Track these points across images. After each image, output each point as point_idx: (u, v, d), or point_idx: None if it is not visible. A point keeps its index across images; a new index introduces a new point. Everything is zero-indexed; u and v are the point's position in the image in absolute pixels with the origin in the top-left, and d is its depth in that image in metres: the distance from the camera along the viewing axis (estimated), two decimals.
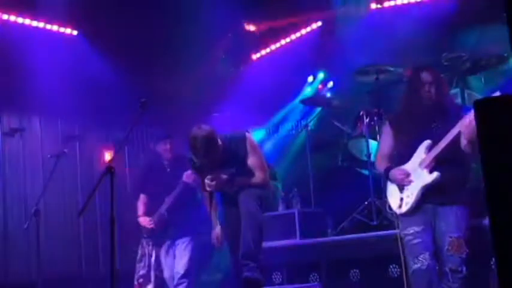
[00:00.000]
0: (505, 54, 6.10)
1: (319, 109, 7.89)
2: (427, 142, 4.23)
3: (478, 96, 5.99)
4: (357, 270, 5.74)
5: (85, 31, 7.24)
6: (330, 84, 7.95)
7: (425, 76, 4.31)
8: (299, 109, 8.23)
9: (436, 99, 4.29)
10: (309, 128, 7.65)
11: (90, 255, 7.24)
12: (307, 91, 8.18)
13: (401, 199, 4.27)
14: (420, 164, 4.21)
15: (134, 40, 7.19)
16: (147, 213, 5.96)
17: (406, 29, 6.79)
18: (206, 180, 4.62)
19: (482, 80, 6.35)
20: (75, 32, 7.26)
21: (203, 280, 6.21)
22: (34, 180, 6.83)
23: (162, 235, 5.84)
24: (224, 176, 4.60)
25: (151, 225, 5.84)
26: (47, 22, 7.08)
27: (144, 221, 5.91)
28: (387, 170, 4.36)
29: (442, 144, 4.13)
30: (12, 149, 6.97)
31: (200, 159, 4.57)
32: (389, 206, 4.41)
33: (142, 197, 6.06)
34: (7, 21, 6.80)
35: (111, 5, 6.70)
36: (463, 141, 4.08)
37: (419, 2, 7.36)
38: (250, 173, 4.63)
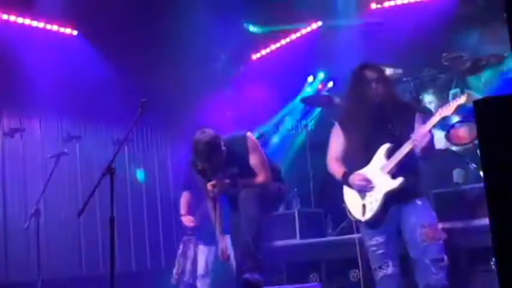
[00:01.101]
0: (505, 54, 6.11)
1: (319, 109, 7.90)
2: (386, 146, 4.06)
3: (478, 96, 6.00)
4: (357, 270, 5.74)
5: (85, 31, 7.24)
6: (330, 84, 7.96)
7: (370, 74, 4.13)
8: (299, 109, 8.24)
9: (385, 98, 4.10)
10: (309, 128, 7.66)
11: (90, 255, 7.25)
12: (307, 91, 8.19)
13: (364, 206, 4.09)
14: (382, 169, 4.04)
15: (134, 40, 7.19)
16: (189, 211, 5.94)
17: (406, 29, 6.79)
18: (208, 187, 4.62)
19: (482, 80, 6.36)
20: (75, 32, 7.26)
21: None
22: (34, 180, 6.83)
23: (209, 233, 5.79)
24: (226, 181, 4.60)
25: (193, 224, 5.83)
26: (46, 22, 7.08)
27: (187, 220, 5.91)
28: (345, 175, 4.16)
29: (404, 150, 3.98)
30: (12, 149, 6.98)
31: (203, 163, 4.57)
32: (350, 213, 4.20)
33: (185, 194, 6.03)
34: (7, 21, 6.80)
35: (111, 5, 6.70)
36: (417, 151, 3.99)
37: (419, 2, 7.36)
38: (252, 173, 4.64)
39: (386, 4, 7.50)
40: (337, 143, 4.30)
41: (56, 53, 6.88)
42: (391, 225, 4.06)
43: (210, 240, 5.78)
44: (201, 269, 5.88)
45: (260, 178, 4.63)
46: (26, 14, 6.89)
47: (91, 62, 7.08)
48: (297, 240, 6.33)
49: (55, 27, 7.17)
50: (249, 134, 4.76)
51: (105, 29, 7.08)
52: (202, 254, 5.93)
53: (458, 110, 3.97)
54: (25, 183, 6.94)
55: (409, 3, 7.42)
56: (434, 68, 6.61)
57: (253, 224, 4.47)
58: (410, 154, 3.98)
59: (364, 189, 4.08)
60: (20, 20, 6.89)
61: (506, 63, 6.26)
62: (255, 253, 4.44)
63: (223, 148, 4.58)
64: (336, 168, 4.27)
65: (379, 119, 4.09)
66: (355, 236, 6.00)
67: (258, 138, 7.66)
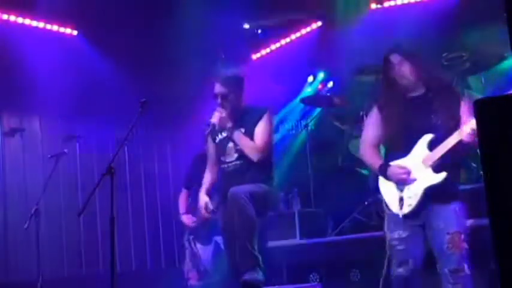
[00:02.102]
0: (505, 54, 6.11)
1: (319, 109, 7.90)
2: (428, 136, 3.81)
3: (478, 96, 5.99)
4: (357, 270, 5.74)
5: (85, 31, 7.24)
6: (330, 84, 7.96)
7: (393, 58, 3.96)
8: (299, 109, 8.24)
9: (427, 79, 3.91)
10: (309, 128, 7.66)
11: (90, 255, 7.25)
12: (307, 91, 8.19)
13: (402, 199, 3.84)
14: (424, 162, 3.79)
15: (134, 40, 7.19)
16: (189, 209, 5.94)
17: (406, 29, 6.79)
18: (215, 112, 4.68)
19: (482, 80, 6.36)
20: (75, 32, 7.26)
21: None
22: (34, 180, 6.83)
23: (206, 234, 5.79)
24: (230, 123, 4.66)
25: (194, 224, 5.83)
26: (47, 22, 7.08)
27: (187, 219, 5.91)
28: (384, 165, 3.92)
29: (451, 142, 3.72)
30: (12, 149, 6.98)
31: (220, 87, 4.68)
32: (387, 207, 3.95)
33: (184, 193, 6.03)
34: (7, 21, 6.80)
35: (111, 5, 6.70)
36: (462, 146, 3.75)
37: (419, 2, 7.36)
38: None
39: (386, 4, 7.50)
40: (374, 128, 4.05)
41: (56, 53, 6.88)
42: (418, 222, 3.84)
43: (206, 240, 5.79)
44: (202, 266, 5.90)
45: (254, 144, 4.62)
46: (26, 14, 6.89)
47: (91, 62, 7.08)
48: (297, 240, 6.33)
49: (55, 27, 7.17)
50: (269, 111, 4.80)
51: (105, 29, 7.08)
52: (201, 253, 5.94)
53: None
54: (25, 183, 6.94)
55: (409, 3, 7.42)
56: (434, 68, 6.60)
57: (247, 224, 4.41)
58: (455, 148, 3.74)
59: (404, 181, 3.83)
60: (20, 20, 6.89)
61: (506, 63, 6.26)
62: (252, 252, 4.40)
63: (244, 95, 4.71)
64: (371, 156, 4.04)
65: (421, 103, 3.88)
66: (356, 236, 6.04)
67: None
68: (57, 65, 6.77)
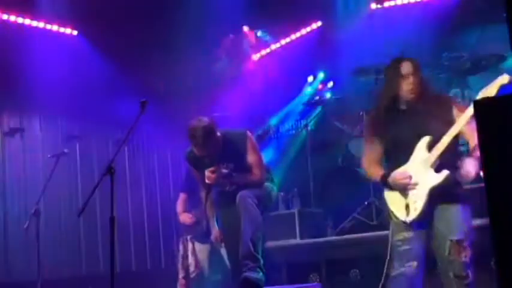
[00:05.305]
0: (505, 54, 6.11)
1: (319, 109, 7.91)
2: (426, 138, 3.76)
3: (478, 96, 5.99)
4: (357, 270, 5.75)
5: (85, 31, 7.25)
6: (330, 84, 7.97)
7: (407, 67, 3.87)
8: (299, 109, 8.24)
9: (420, 91, 3.85)
10: (309, 128, 7.66)
11: (90, 255, 7.25)
12: (307, 91, 8.20)
13: (407, 206, 3.78)
14: (424, 164, 3.75)
15: (134, 40, 7.20)
16: (187, 208, 5.95)
17: (406, 29, 6.79)
18: (206, 172, 4.63)
19: (482, 80, 6.36)
20: (75, 32, 7.27)
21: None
22: (34, 180, 6.83)
23: (204, 232, 5.78)
24: (224, 170, 4.63)
25: (192, 220, 5.83)
26: (47, 22, 7.09)
27: (185, 217, 5.92)
28: (384, 176, 3.87)
29: (446, 139, 3.68)
30: (12, 149, 6.98)
31: (199, 150, 4.60)
32: (395, 216, 3.87)
33: (182, 196, 6.05)
34: (7, 21, 6.81)
35: (111, 5, 6.71)
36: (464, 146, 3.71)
37: (419, 2, 7.37)
38: (247, 171, 4.66)
39: (386, 4, 7.51)
40: (370, 142, 4.03)
41: (56, 53, 6.89)
42: (423, 223, 3.77)
43: (204, 239, 5.80)
44: (199, 265, 5.90)
45: (255, 176, 4.65)
46: (26, 14, 6.89)
47: (91, 62, 7.09)
48: (297, 240, 6.34)
49: (55, 27, 7.17)
50: (249, 133, 4.79)
51: (105, 29, 7.08)
52: (199, 252, 5.95)
53: (501, 90, 3.64)
54: (25, 183, 6.94)
55: (409, 3, 7.42)
56: (434, 68, 6.61)
57: (253, 224, 4.47)
58: (453, 147, 3.73)
59: (407, 187, 3.78)
60: (20, 20, 6.90)
61: (507, 63, 6.26)
62: (255, 253, 4.44)
63: (219, 136, 4.63)
64: (373, 171, 4.00)
65: (411, 115, 3.85)
66: (356, 236, 6.04)
67: (261, 135, 7.70)
68: (57, 65, 6.77)
